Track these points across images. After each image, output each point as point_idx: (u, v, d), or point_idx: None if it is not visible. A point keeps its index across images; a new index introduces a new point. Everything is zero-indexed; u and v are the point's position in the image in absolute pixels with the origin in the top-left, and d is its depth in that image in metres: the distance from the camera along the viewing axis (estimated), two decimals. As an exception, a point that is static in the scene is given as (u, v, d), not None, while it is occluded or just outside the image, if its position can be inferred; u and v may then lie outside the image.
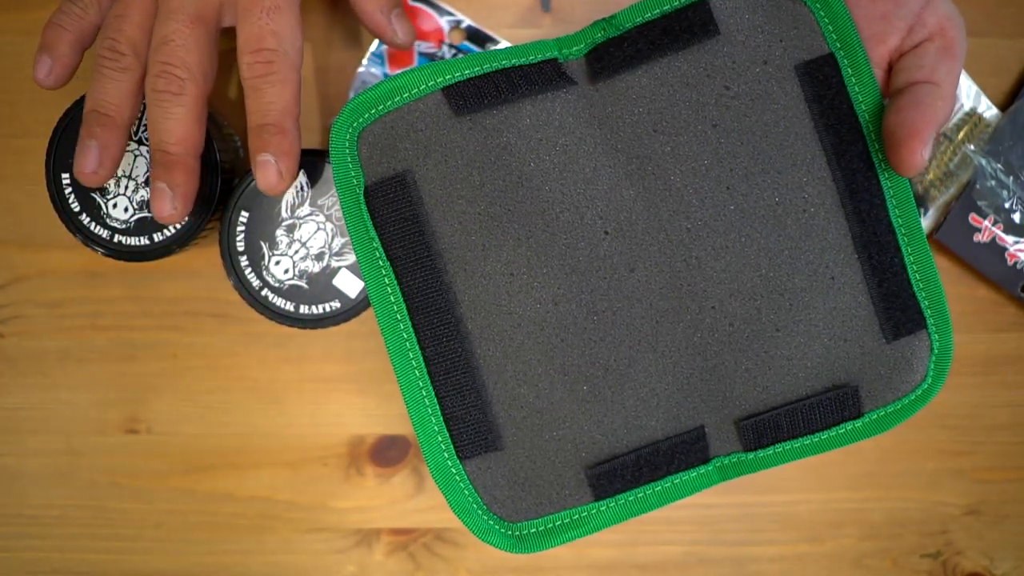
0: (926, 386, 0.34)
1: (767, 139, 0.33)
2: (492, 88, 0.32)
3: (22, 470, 0.45)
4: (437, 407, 0.33)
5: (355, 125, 0.32)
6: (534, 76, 0.32)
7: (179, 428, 0.45)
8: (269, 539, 0.46)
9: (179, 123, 0.34)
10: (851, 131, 0.33)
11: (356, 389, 0.45)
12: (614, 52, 0.33)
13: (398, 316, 0.33)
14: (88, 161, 0.34)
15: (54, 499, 0.45)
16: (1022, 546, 0.47)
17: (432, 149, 0.32)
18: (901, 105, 0.32)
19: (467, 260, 0.33)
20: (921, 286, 0.34)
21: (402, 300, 0.33)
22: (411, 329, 0.33)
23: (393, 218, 0.33)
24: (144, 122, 0.38)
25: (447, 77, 0.32)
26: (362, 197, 0.33)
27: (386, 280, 0.33)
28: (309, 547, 0.46)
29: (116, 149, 0.34)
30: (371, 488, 0.46)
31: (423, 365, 0.33)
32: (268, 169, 0.34)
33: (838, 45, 0.33)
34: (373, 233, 0.33)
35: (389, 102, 0.32)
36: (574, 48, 0.33)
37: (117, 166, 0.35)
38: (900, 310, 0.33)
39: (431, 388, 0.33)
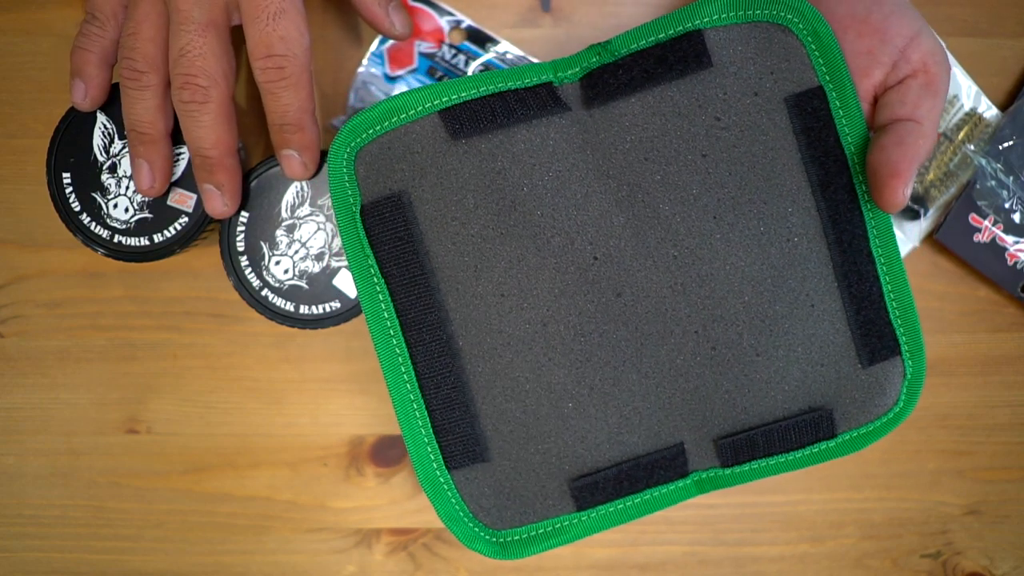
0: (898, 409, 0.35)
1: (755, 169, 0.33)
2: (488, 112, 0.33)
3: (22, 470, 0.45)
4: (427, 419, 0.34)
5: (353, 145, 0.33)
6: (529, 100, 0.33)
7: (179, 428, 0.45)
8: (269, 539, 0.46)
9: (210, 129, 0.35)
10: (837, 163, 0.33)
11: (356, 389, 0.45)
12: (608, 79, 0.33)
13: (391, 331, 0.34)
14: (143, 179, 0.37)
15: (54, 499, 0.45)
16: (1022, 546, 0.47)
17: (428, 171, 0.33)
18: (884, 143, 0.32)
19: (459, 280, 0.34)
20: (897, 314, 0.35)
21: (395, 316, 0.34)
22: (404, 344, 0.34)
23: (388, 237, 0.33)
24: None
25: (444, 99, 0.33)
26: (358, 215, 0.33)
27: (380, 297, 0.34)
28: (309, 547, 0.46)
29: (162, 161, 0.37)
30: (371, 488, 0.46)
31: (415, 379, 0.34)
32: (292, 162, 0.36)
33: (827, 78, 0.33)
34: (368, 251, 0.34)
35: (387, 122, 0.33)
36: (569, 72, 0.34)
37: (170, 172, 0.38)
38: (876, 337, 0.35)
39: (422, 401, 0.34)
